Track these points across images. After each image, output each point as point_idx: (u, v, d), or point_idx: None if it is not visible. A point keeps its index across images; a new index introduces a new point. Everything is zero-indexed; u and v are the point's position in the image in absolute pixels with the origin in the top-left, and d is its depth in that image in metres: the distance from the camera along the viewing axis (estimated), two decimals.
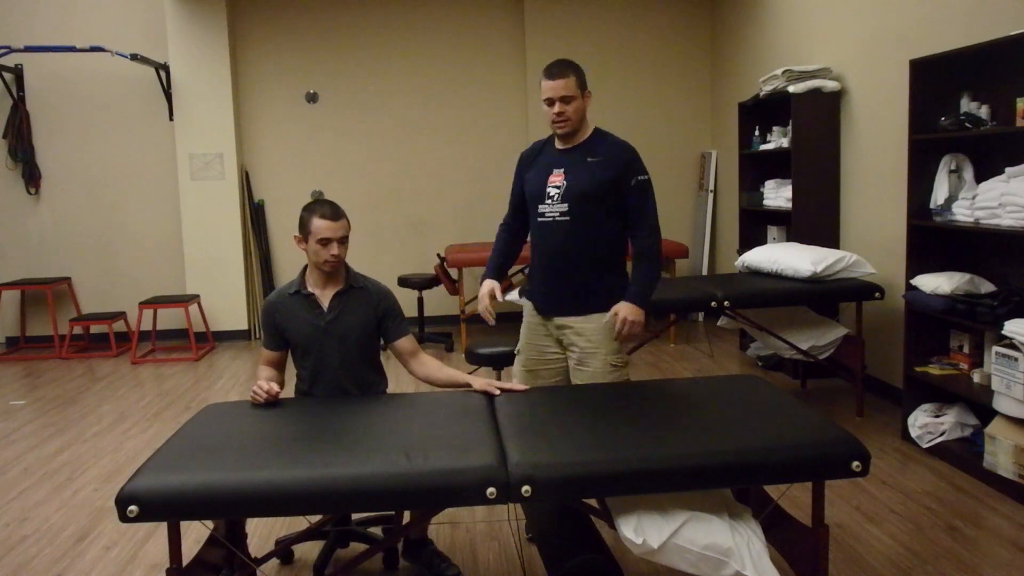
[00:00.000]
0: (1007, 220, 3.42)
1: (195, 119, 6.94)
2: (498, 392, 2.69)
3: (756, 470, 2.16)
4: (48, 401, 5.36)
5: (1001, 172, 3.49)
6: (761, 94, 5.44)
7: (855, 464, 2.15)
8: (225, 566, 2.58)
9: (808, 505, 2.32)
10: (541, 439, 2.26)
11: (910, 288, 3.98)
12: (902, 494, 3.48)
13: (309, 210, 2.80)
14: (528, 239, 3.11)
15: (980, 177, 3.74)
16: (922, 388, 4.01)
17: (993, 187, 3.52)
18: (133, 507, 2.01)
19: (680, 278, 5.56)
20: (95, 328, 6.97)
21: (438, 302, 7.22)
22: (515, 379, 3.06)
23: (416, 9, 7.20)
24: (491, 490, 2.06)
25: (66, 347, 6.69)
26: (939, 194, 3.88)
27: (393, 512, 3.00)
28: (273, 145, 7.24)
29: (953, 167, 3.85)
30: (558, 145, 2.95)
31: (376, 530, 3.13)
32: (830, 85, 5.01)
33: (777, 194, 5.44)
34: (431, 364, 2.89)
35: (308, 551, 3.10)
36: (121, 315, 6.88)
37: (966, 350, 3.91)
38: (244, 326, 7.15)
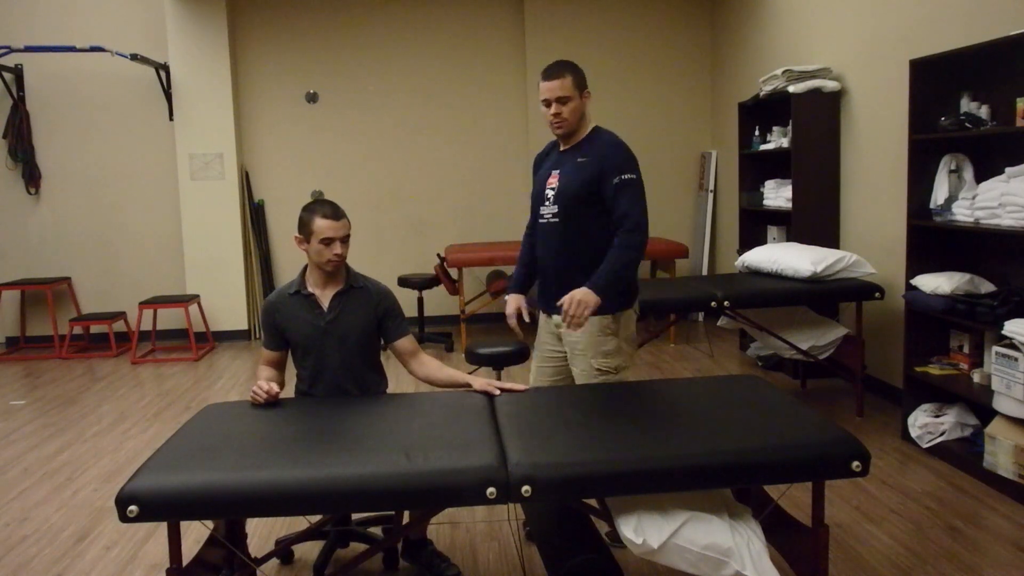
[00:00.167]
0: (1007, 220, 3.42)
1: (195, 119, 6.94)
2: (498, 392, 2.69)
3: (756, 470, 2.16)
4: (48, 401, 5.36)
5: (1001, 172, 3.49)
6: (761, 94, 5.44)
7: (855, 464, 2.15)
8: (225, 566, 2.58)
9: (808, 505, 2.32)
10: (541, 439, 2.26)
11: (910, 288, 3.98)
12: (902, 494, 3.48)
13: (309, 210, 2.80)
14: None
15: (980, 177, 3.74)
16: (922, 388, 4.01)
17: (993, 187, 3.52)
18: (133, 507, 2.01)
19: (680, 278, 5.56)
20: (95, 328, 6.97)
21: (438, 302, 7.22)
22: (532, 375, 3.09)
23: (416, 9, 7.20)
24: (491, 490, 2.06)
25: (66, 347, 6.69)
26: (939, 194, 3.88)
27: (393, 512, 3.00)
28: (273, 145, 7.24)
29: (953, 167, 3.85)
30: (560, 146, 2.96)
31: (376, 530, 3.13)
32: (830, 85, 5.01)
33: (777, 194, 5.44)
34: (431, 364, 2.89)
35: (308, 551, 3.10)
36: (121, 315, 6.88)
37: (966, 350, 3.91)
38: (244, 326, 7.15)
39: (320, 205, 2.80)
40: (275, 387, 2.67)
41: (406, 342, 2.89)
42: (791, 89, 5.01)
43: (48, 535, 3.32)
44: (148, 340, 7.00)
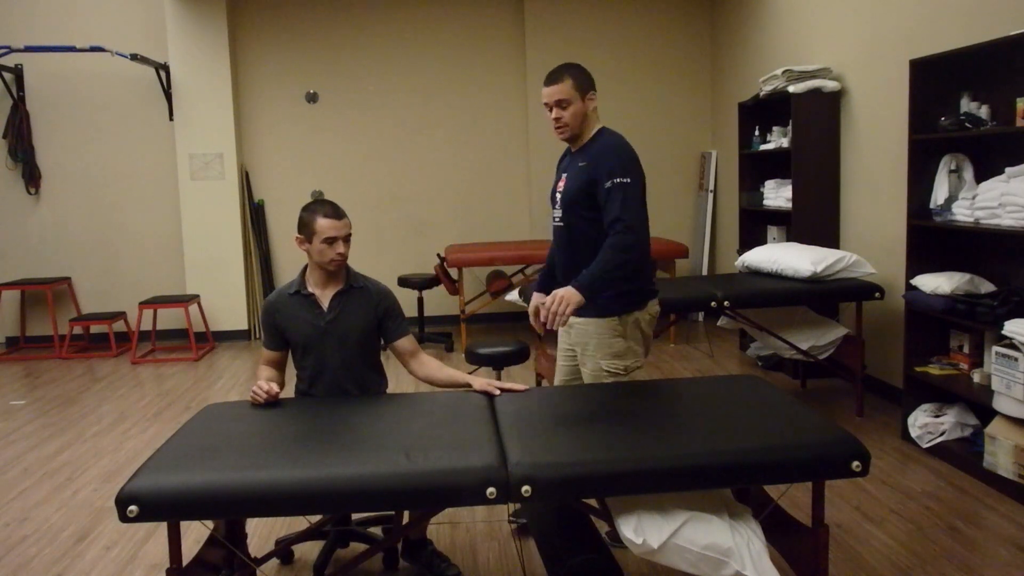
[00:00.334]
0: (1007, 220, 3.42)
1: (195, 119, 6.94)
2: (498, 392, 2.69)
3: (756, 470, 2.16)
4: (48, 401, 5.36)
5: (1001, 172, 3.49)
6: (761, 94, 5.44)
7: (855, 464, 2.15)
8: (225, 566, 2.58)
9: (808, 505, 2.32)
10: (541, 439, 2.26)
11: (910, 288, 3.98)
12: (902, 494, 3.48)
13: (310, 210, 2.80)
14: None
15: (980, 177, 3.74)
16: (922, 388, 4.01)
17: (993, 187, 3.52)
18: (133, 507, 2.01)
19: (680, 278, 5.56)
20: (95, 328, 6.97)
21: (438, 302, 7.21)
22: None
23: (416, 9, 7.20)
24: (491, 490, 2.06)
25: (66, 347, 6.69)
26: (939, 194, 3.88)
27: (393, 512, 3.00)
28: (273, 145, 7.24)
29: (953, 167, 3.85)
30: (571, 150, 2.95)
31: (376, 530, 3.13)
32: (830, 85, 5.01)
33: (777, 194, 5.44)
34: (431, 364, 2.89)
35: (308, 551, 3.10)
36: (121, 315, 6.88)
37: (966, 350, 3.91)
38: (244, 326, 7.15)
39: (320, 205, 2.80)
40: (275, 387, 2.67)
41: (406, 342, 2.89)
42: (791, 89, 5.01)
43: (48, 535, 3.32)
44: (148, 340, 7.00)
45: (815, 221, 5.07)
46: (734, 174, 6.32)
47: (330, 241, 2.76)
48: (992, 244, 3.85)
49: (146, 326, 6.92)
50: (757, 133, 5.77)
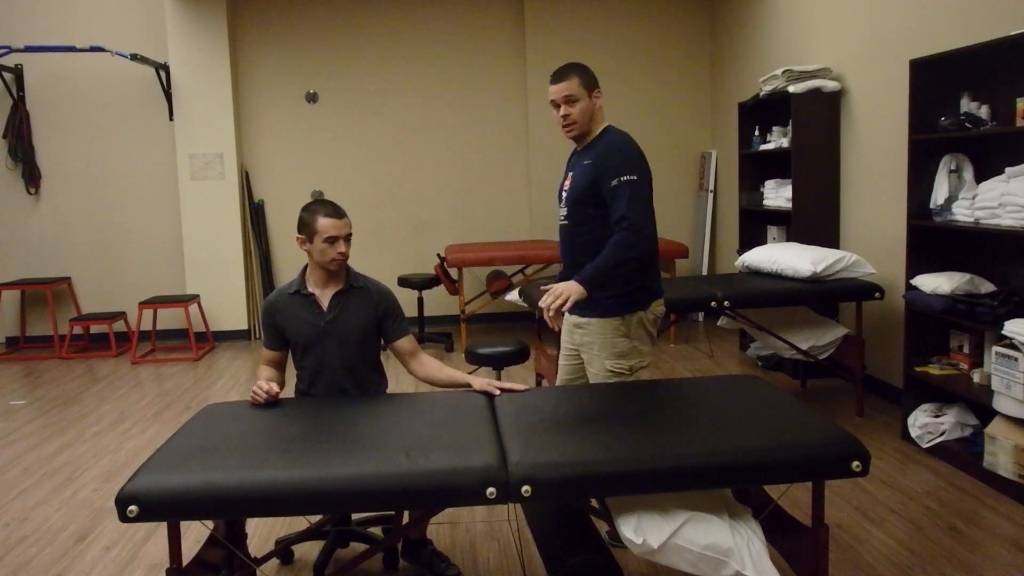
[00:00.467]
0: (1007, 220, 3.42)
1: (195, 119, 6.94)
2: (498, 392, 2.69)
3: (756, 470, 2.16)
4: (48, 401, 5.36)
5: (1001, 172, 3.49)
6: (761, 94, 5.44)
7: (855, 464, 2.15)
8: (225, 566, 2.58)
9: (808, 505, 2.32)
10: (541, 439, 2.26)
11: (910, 288, 3.98)
12: (902, 494, 3.48)
13: (311, 210, 2.80)
14: None
15: (980, 177, 3.74)
16: (922, 388, 4.01)
17: (993, 187, 3.52)
18: (133, 507, 2.01)
19: (680, 278, 5.56)
20: (95, 328, 6.97)
21: (438, 302, 7.21)
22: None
23: (416, 9, 7.20)
24: (491, 490, 2.06)
25: (66, 347, 6.69)
26: (939, 194, 3.88)
27: (393, 512, 3.00)
28: (273, 145, 7.24)
29: (953, 167, 3.85)
30: (577, 148, 2.95)
31: (376, 530, 3.13)
32: (830, 85, 5.01)
33: (777, 194, 5.44)
34: (431, 364, 2.89)
35: (308, 551, 3.10)
36: (121, 315, 6.88)
37: (966, 350, 3.91)
38: (244, 326, 7.15)
39: (321, 205, 2.81)
40: (275, 387, 2.68)
41: (406, 342, 2.89)
42: (791, 89, 5.01)
43: (48, 535, 3.32)
44: (148, 340, 7.00)
45: (815, 221, 5.07)
46: (734, 174, 6.32)
47: (331, 241, 2.76)
48: (992, 244, 3.85)
49: (146, 326, 6.92)
50: (757, 133, 5.77)
